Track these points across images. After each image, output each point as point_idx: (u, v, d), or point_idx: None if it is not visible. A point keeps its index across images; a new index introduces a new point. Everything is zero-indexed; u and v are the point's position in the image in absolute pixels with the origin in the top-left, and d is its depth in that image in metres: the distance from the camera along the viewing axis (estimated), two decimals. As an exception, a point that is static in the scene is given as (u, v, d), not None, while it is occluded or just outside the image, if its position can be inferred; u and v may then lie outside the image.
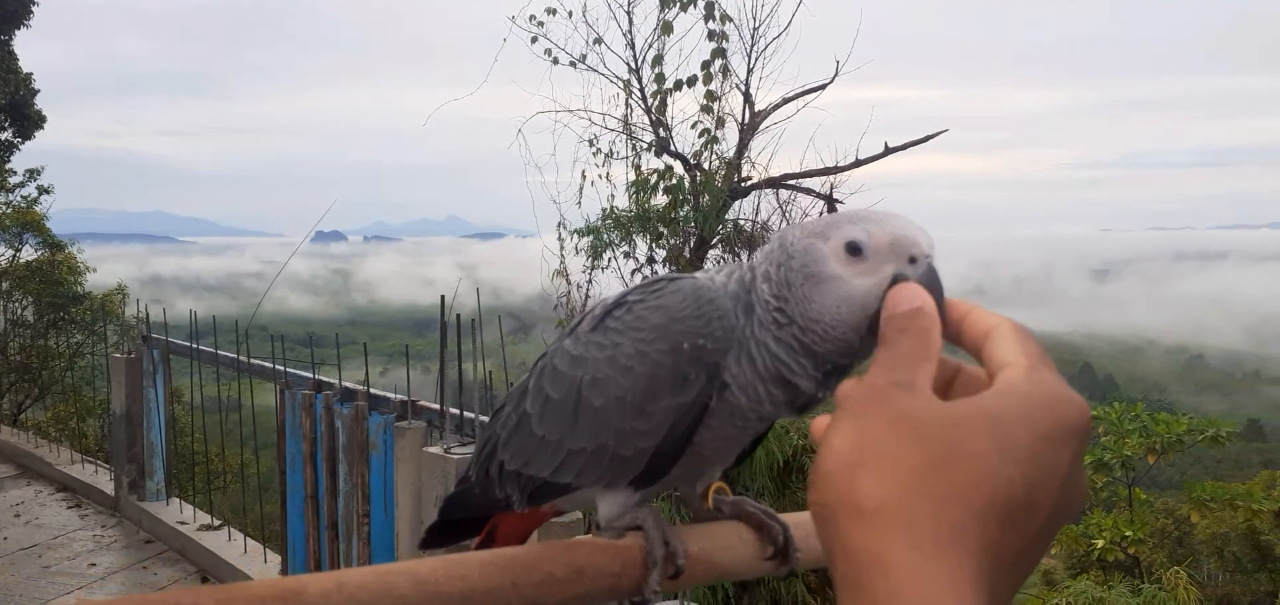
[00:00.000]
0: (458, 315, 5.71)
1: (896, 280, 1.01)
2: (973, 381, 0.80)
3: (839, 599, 0.65)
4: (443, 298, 5.93)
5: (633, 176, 9.11)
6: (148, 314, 8.35)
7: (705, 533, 1.32)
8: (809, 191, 9.10)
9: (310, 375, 6.34)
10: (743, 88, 9.17)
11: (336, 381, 6.11)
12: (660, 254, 9.13)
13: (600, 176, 9.21)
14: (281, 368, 6.55)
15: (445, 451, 5.19)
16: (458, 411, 5.57)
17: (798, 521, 1.34)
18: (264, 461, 8.23)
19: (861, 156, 8.93)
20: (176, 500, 8.31)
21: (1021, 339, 0.78)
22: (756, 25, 9.02)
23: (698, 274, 1.29)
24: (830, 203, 9.00)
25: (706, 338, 1.18)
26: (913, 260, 1.03)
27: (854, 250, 1.06)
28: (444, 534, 1.56)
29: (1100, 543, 18.69)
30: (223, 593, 0.91)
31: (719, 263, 9.14)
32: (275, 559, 6.95)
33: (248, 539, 7.39)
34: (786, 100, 9.17)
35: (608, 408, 1.24)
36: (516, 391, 1.41)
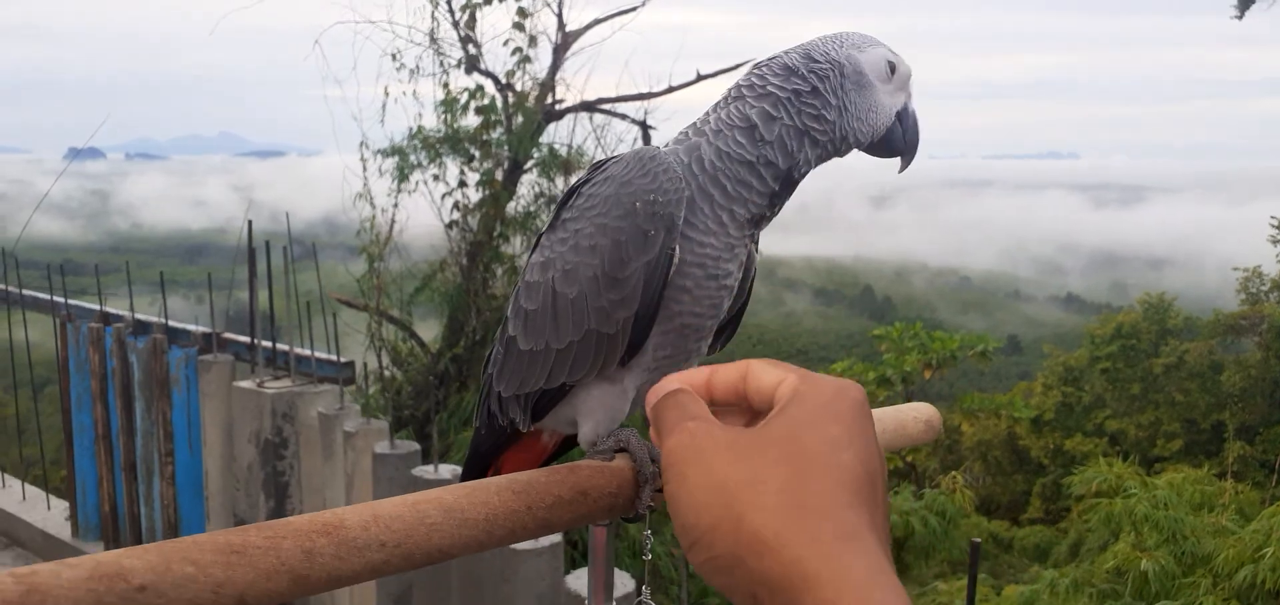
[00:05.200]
0: (252, 242, 5.32)
1: (904, 109, 1.36)
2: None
3: None
4: (249, 223, 5.53)
5: (441, 95, 8.75)
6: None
7: None
8: (623, 116, 9.06)
9: (96, 307, 5.79)
10: (555, 7, 8.97)
11: (128, 314, 5.61)
12: (473, 177, 8.86)
13: (406, 93, 8.79)
14: (61, 299, 5.93)
15: (259, 386, 4.93)
16: (270, 344, 5.28)
17: None
18: (33, 402, 7.45)
19: (675, 83, 8.97)
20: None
21: (775, 363, 0.92)
22: (570, -59, 8.81)
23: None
24: (645, 129, 9.01)
25: (656, 192, 1.28)
26: (908, 94, 1.36)
27: (892, 70, 1.34)
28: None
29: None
30: (269, 532, 0.91)
31: (534, 189, 8.99)
32: (60, 505, 6.35)
33: (25, 485, 6.71)
34: (599, 22, 9.05)
35: (583, 292, 1.32)
36: (500, 329, 1.48)
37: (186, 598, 0.84)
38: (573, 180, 1.47)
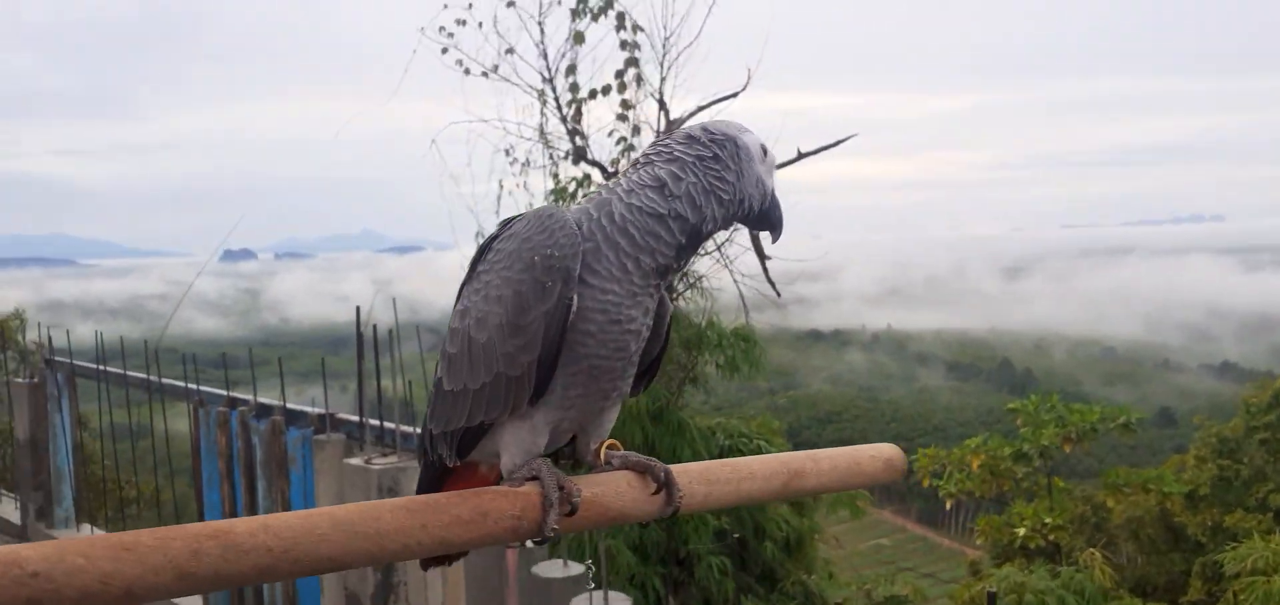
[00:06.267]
0: (374, 327, 5.60)
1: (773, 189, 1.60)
2: None
3: None
4: (357, 309, 5.83)
5: (551, 185, 9.05)
6: (50, 337, 7.98)
7: (597, 481, 1.54)
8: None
9: (224, 392, 6.15)
10: (657, 96, 9.21)
11: (252, 398, 5.94)
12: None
13: (518, 186, 9.13)
14: (194, 386, 6.33)
15: (366, 462, 5.12)
16: (377, 422, 5.49)
17: (681, 469, 1.56)
18: (177, 486, 7.91)
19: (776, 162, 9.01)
20: (87, 526, 7.94)
21: None
22: (668, 34, 9.09)
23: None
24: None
25: (554, 248, 1.42)
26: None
27: (764, 153, 1.59)
28: None
29: (1022, 531, 19.22)
30: (160, 534, 0.99)
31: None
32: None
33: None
34: (701, 108, 9.24)
35: (491, 338, 1.46)
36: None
37: (77, 586, 0.90)
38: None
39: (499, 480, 1.63)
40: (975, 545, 25.34)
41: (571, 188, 8.95)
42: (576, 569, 3.73)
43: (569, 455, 1.68)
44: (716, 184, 1.50)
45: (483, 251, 1.55)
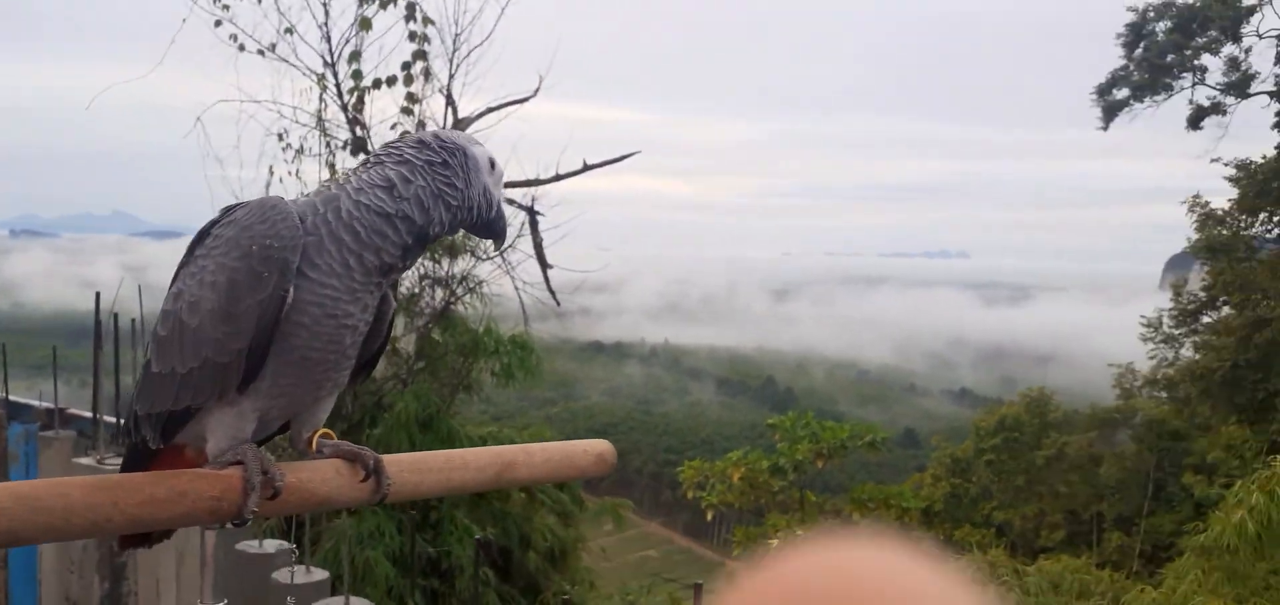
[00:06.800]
0: (114, 316, 5.14)
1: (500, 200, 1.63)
2: None
3: None
4: (97, 295, 5.34)
5: (326, 174, 8.65)
6: None
7: (304, 467, 1.53)
8: (511, 202, 9.11)
9: (-60, 387, 5.49)
10: (445, 92, 9.01)
11: (-2, 394, 5.36)
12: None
13: (291, 173, 8.65)
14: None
15: (99, 462, 4.73)
16: (115, 419, 5.07)
17: (393, 459, 1.57)
18: None
19: (562, 171, 9.08)
20: None
21: None
22: (459, 31, 8.89)
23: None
24: (532, 214, 9.06)
25: (273, 239, 1.40)
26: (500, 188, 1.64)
27: (492, 165, 1.62)
28: None
29: (775, 542, 20.28)
30: None
31: (418, 270, 8.90)
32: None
33: None
34: (490, 110, 9.14)
35: (202, 323, 1.43)
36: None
37: None
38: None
39: (205, 464, 1.60)
40: (732, 556, 26.49)
41: (347, 180, 8.56)
42: (320, 574, 3.52)
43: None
44: (445, 189, 1.52)
45: (202, 236, 1.52)
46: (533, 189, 9.04)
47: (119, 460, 4.74)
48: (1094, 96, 25.26)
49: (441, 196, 1.52)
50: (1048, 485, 24.70)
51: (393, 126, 8.67)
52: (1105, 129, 25.23)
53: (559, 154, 9.20)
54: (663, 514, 56.77)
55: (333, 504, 1.54)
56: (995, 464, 25.45)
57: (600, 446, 1.70)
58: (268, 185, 8.53)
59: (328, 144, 8.62)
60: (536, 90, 9.03)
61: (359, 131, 8.74)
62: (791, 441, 20.25)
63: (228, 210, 1.53)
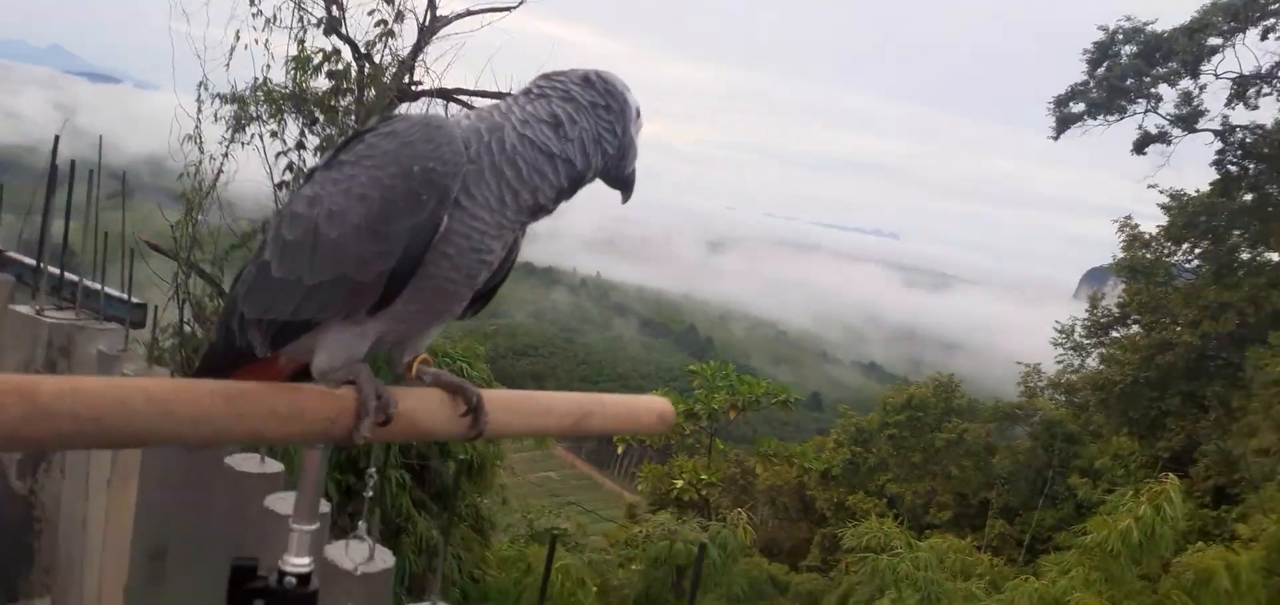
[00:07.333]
0: (72, 163, 5.04)
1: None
2: None
3: None
4: (56, 139, 5.26)
5: (295, 51, 8.52)
6: None
7: (412, 395, 1.46)
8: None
9: None
10: (427, -15, 8.89)
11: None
12: (313, 141, 8.63)
13: (258, 42, 8.49)
14: None
15: (38, 313, 4.55)
16: (58, 271, 4.95)
17: (491, 395, 1.52)
18: None
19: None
20: None
21: None
22: (444, -77, 8.75)
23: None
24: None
25: (437, 162, 1.33)
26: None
27: (638, 115, 1.53)
28: None
29: (680, 483, 20.73)
30: None
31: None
32: None
33: None
34: (471, 13, 9.05)
35: (345, 237, 1.34)
36: (255, 251, 1.49)
37: None
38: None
39: (296, 374, 1.54)
40: (636, 490, 27.06)
41: (316, 59, 8.43)
42: (274, 466, 3.53)
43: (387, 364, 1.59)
44: (605, 135, 1.47)
45: (350, 141, 1.44)
46: (501, 102, 9.02)
47: (59, 314, 4.65)
48: (1051, 105, 25.71)
49: (601, 142, 1.46)
50: (942, 466, 25.69)
51: (370, 12, 8.56)
52: (1056, 139, 25.82)
53: (534, 69, 9.11)
54: (567, 439, 57.34)
55: (433, 435, 1.55)
56: (897, 439, 26.35)
57: (661, 405, 1.72)
58: (231, 52, 8.35)
59: (300, 18, 8.47)
60: (521, 0, 8.99)
61: (334, 11, 8.61)
62: (710, 390, 20.67)
63: (384, 118, 1.45)
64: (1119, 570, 10.45)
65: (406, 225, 1.32)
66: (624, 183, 1.56)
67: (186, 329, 8.63)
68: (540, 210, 1.46)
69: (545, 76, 1.50)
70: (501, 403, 1.54)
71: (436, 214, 1.34)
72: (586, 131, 1.45)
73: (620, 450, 27.47)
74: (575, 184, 1.47)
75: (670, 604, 12.81)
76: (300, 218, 1.39)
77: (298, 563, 1.38)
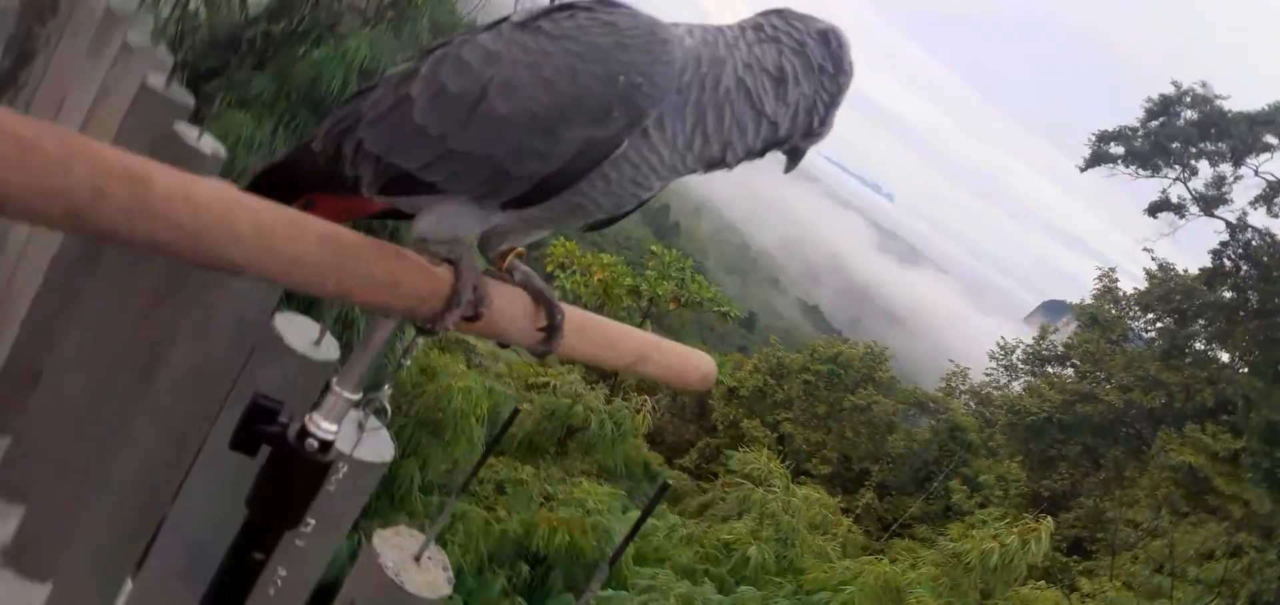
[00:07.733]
0: None
1: None
2: None
3: None
4: None
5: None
6: None
7: (504, 293, 1.31)
8: None
9: None
10: None
11: None
12: None
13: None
14: None
15: None
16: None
17: (572, 316, 1.38)
18: None
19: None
20: None
21: None
22: None
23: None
24: None
25: (646, 80, 1.14)
26: None
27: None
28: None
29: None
30: (68, 144, 0.80)
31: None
32: None
33: None
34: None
35: (513, 117, 1.15)
36: (397, 73, 1.26)
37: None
38: None
39: (377, 215, 1.39)
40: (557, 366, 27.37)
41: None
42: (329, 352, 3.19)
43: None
44: (820, 107, 1.27)
45: (561, 7, 1.21)
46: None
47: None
48: (1091, 138, 23.86)
49: (812, 113, 1.27)
50: (840, 426, 26.40)
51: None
52: (1083, 170, 24.85)
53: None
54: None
55: (509, 338, 1.35)
56: (810, 386, 26.90)
57: (708, 366, 1.65)
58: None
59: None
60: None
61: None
62: (661, 275, 20.72)
63: (609, 3, 1.21)
64: (966, 583, 11.03)
65: (583, 135, 1.14)
66: (797, 154, 1.35)
67: (192, 6, 7.83)
68: (717, 165, 1.27)
69: (780, 14, 1.28)
70: (576, 325, 1.39)
71: (619, 137, 1.15)
72: (804, 98, 1.25)
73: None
74: (765, 149, 1.28)
75: (549, 456, 13.17)
76: (469, 70, 1.18)
77: (326, 427, 1.22)
